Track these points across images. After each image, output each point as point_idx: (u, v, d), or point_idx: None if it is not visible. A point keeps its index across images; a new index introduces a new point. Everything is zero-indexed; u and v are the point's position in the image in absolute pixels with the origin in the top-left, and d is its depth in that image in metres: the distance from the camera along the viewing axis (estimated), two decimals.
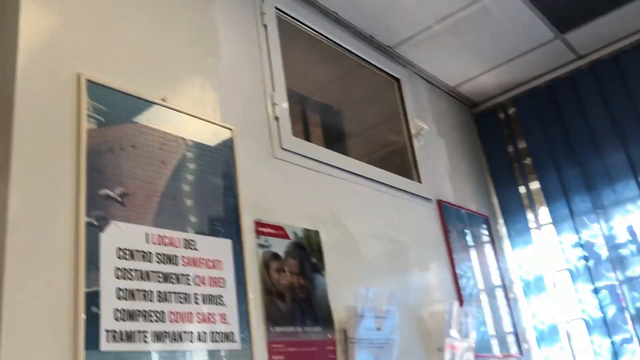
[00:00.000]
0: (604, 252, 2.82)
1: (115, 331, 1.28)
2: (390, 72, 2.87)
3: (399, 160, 2.83)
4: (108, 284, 1.30)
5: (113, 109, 1.48)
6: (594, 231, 2.87)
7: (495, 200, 3.30)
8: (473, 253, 2.89)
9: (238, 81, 1.96)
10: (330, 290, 1.92)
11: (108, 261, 1.32)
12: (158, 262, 1.43)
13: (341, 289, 1.96)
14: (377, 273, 2.19)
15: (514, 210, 3.20)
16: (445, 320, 2.24)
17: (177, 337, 1.39)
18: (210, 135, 1.73)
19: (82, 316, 1.23)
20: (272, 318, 1.68)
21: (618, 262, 2.77)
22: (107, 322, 1.27)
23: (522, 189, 3.22)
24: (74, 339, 1.22)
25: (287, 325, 1.72)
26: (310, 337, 1.77)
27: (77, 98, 1.42)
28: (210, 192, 1.64)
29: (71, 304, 1.24)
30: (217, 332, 1.49)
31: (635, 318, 2.68)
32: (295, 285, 1.81)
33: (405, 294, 2.24)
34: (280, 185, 1.93)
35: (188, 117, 1.68)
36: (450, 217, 2.82)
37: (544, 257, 3.07)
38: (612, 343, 2.71)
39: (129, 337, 1.30)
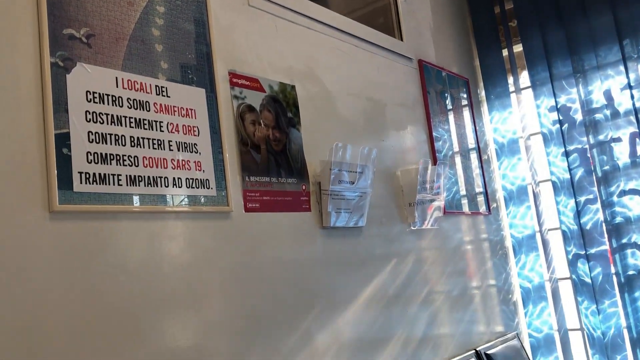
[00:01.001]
0: (579, 116, 2.85)
1: (88, 173, 1.29)
2: None
3: (383, 19, 2.72)
4: (78, 127, 1.29)
5: None
6: (572, 95, 2.88)
7: (477, 63, 3.26)
8: (451, 115, 2.90)
9: None
10: (306, 144, 1.94)
11: (77, 104, 1.30)
12: (129, 107, 1.40)
13: (317, 143, 1.98)
14: (353, 131, 2.20)
15: (495, 74, 3.17)
16: (417, 178, 2.29)
17: (151, 181, 1.41)
18: None
19: (54, 157, 1.23)
20: (248, 168, 1.71)
21: (591, 126, 2.81)
22: (79, 164, 1.27)
23: (504, 52, 3.17)
24: (47, 179, 1.23)
25: (262, 176, 1.75)
26: (285, 188, 1.81)
27: None
28: (181, 38, 1.58)
29: (41, 145, 1.24)
30: (192, 179, 1.51)
31: (601, 180, 2.78)
32: (271, 138, 1.82)
33: (381, 153, 2.27)
34: (256, 35, 1.86)
35: None
36: (430, 78, 2.79)
37: (520, 121, 3.11)
38: (577, 203, 2.83)
39: (103, 179, 1.31)
